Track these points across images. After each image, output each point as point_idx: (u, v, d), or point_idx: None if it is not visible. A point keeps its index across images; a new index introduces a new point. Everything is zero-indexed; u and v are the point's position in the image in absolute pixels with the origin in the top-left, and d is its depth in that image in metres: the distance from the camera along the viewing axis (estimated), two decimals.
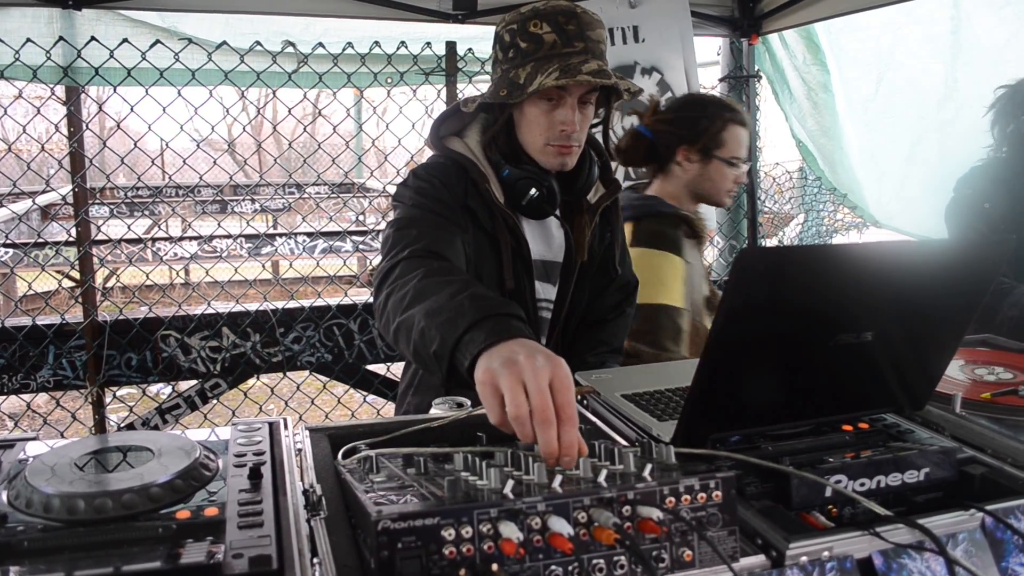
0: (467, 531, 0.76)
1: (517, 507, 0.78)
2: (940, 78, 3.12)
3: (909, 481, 1.13)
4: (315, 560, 0.89)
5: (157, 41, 3.02)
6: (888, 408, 1.31)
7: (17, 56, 2.93)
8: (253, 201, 9.95)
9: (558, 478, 0.84)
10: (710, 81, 3.98)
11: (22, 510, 0.94)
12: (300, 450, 1.17)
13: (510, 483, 0.81)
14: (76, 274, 3.24)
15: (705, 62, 4.02)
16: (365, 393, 3.68)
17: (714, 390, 1.09)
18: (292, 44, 3.19)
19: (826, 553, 0.91)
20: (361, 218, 9.48)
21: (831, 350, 1.13)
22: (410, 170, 1.75)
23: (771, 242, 4.62)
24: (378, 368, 3.67)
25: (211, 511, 0.95)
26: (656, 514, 0.81)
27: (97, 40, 2.96)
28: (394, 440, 1.21)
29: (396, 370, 3.70)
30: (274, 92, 3.38)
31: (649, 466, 0.87)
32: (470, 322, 1.13)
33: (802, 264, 1.02)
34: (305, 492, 1.01)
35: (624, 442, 1.22)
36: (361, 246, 7.23)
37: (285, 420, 1.26)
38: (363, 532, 0.87)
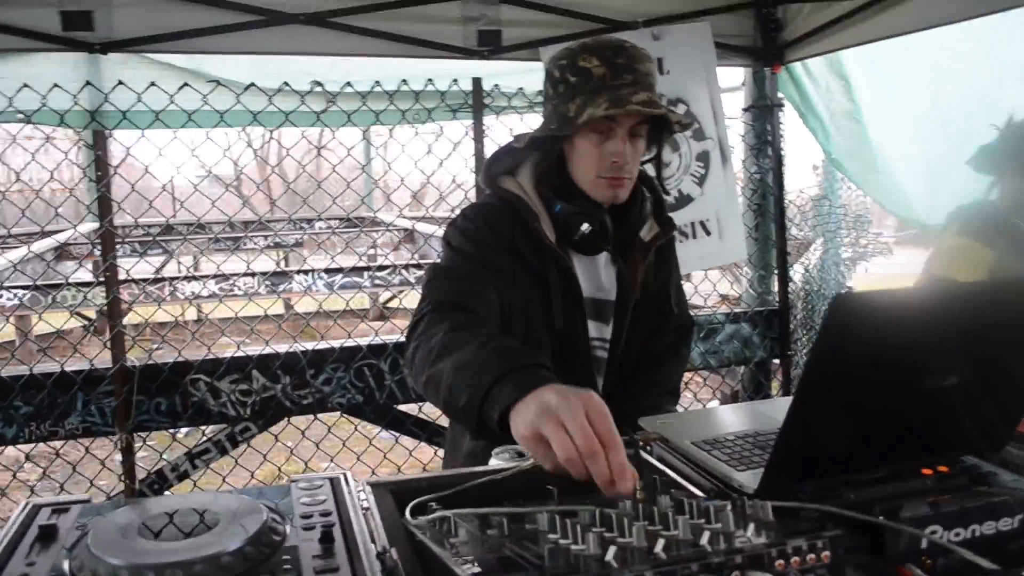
0: None
1: None
2: (1003, 90, 3.08)
3: (1004, 528, 1.07)
4: None
5: (185, 84, 3.02)
6: (965, 450, 1.26)
7: (44, 102, 2.92)
8: (267, 239, 9.86)
9: (660, 542, 0.79)
10: (734, 110, 3.96)
11: None
12: (366, 508, 1.13)
13: (612, 549, 0.77)
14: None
15: (730, 87, 4.00)
16: (397, 434, 3.63)
17: (803, 438, 1.05)
18: (320, 84, 3.19)
19: None
20: (376, 251, 9.37)
21: (917, 394, 1.08)
22: (461, 209, 1.76)
23: (798, 268, 4.57)
24: (409, 408, 3.62)
25: None
26: None
27: (124, 84, 2.97)
28: (460, 495, 1.17)
29: (428, 410, 3.65)
30: (303, 133, 3.38)
31: (752, 525, 0.83)
32: (495, 376, 1.17)
33: (896, 308, 0.98)
34: (379, 556, 0.97)
35: (701, 493, 1.17)
36: (377, 281, 7.17)
37: (346, 475, 1.21)
38: None
